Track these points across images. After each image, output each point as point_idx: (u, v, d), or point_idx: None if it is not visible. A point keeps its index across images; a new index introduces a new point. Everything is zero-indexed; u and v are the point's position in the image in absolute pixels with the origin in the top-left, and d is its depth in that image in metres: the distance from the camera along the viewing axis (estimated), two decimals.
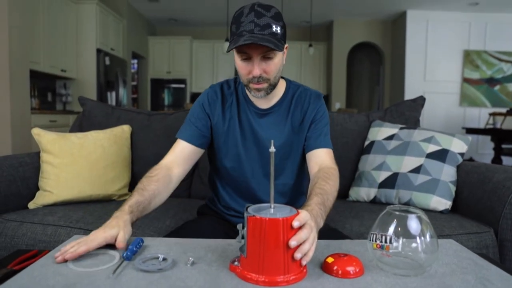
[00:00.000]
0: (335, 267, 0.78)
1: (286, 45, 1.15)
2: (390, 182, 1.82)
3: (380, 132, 2.00)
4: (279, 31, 1.07)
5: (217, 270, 0.79)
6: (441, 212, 1.69)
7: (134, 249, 0.86)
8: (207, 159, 1.44)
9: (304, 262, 0.76)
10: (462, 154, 1.85)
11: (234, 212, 1.29)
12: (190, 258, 0.82)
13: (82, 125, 2.12)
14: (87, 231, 1.39)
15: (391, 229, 0.79)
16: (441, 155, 1.81)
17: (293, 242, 0.73)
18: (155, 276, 0.75)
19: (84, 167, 1.76)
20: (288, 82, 1.30)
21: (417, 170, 1.79)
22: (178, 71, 8.75)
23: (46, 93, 5.61)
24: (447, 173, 1.77)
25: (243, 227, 0.78)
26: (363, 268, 0.80)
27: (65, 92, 5.81)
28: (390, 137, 1.95)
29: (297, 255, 0.74)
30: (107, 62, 6.19)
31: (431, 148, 1.84)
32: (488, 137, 6.58)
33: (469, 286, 0.74)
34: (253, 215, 0.75)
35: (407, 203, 1.75)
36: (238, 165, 1.24)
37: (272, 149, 0.79)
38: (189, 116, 1.27)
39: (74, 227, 1.40)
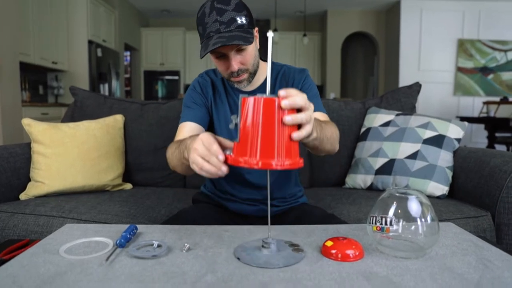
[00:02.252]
0: (334, 251, 0.76)
1: (255, 29, 1.15)
2: (387, 168, 1.81)
3: (376, 118, 1.99)
4: (244, 21, 1.06)
5: (214, 255, 0.77)
6: (438, 197, 1.68)
7: (128, 236, 0.83)
8: None
9: (295, 136, 0.71)
10: (458, 140, 1.83)
11: (230, 196, 1.26)
12: (186, 244, 0.80)
13: (74, 116, 2.09)
14: (80, 221, 1.37)
15: (391, 211, 0.78)
16: (437, 141, 1.80)
17: (288, 118, 0.69)
18: (150, 263, 0.73)
19: (76, 157, 1.73)
20: (271, 64, 1.27)
21: (413, 156, 1.78)
22: (172, 63, 8.68)
23: (37, 86, 5.54)
24: (444, 158, 1.76)
25: (237, 116, 0.74)
26: (363, 251, 0.78)
27: (56, 84, 5.73)
28: (387, 124, 1.93)
29: (287, 118, 0.69)
30: (99, 53, 6.11)
31: (428, 134, 1.82)
32: (482, 126, 6.61)
33: (470, 267, 0.73)
34: (247, 96, 0.72)
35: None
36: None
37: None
38: (186, 103, 1.25)
39: (66, 217, 1.37)
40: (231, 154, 0.74)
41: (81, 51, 5.76)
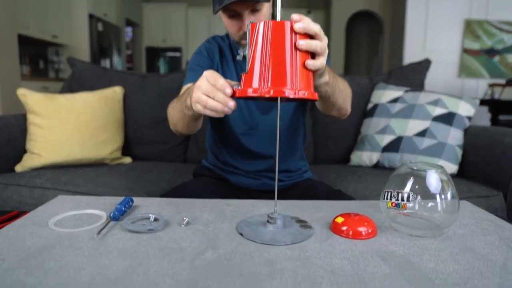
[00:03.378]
0: (345, 227, 0.70)
1: None
2: (394, 146, 1.74)
3: (384, 95, 1.91)
4: None
5: (215, 230, 0.71)
6: None
7: (123, 209, 0.78)
8: (203, 123, 1.36)
9: (309, 63, 0.66)
10: (469, 118, 1.76)
11: (233, 169, 1.21)
12: (185, 218, 0.74)
13: (72, 88, 2.02)
14: (75, 193, 1.31)
15: (408, 186, 0.71)
16: (448, 118, 1.73)
17: (301, 41, 0.64)
18: (145, 237, 0.67)
19: (73, 129, 1.66)
20: None
21: (422, 133, 1.71)
22: (174, 39, 8.53)
23: (38, 60, 5.44)
24: (454, 136, 1.70)
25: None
26: (376, 229, 0.72)
27: (57, 59, 5.63)
28: (395, 100, 1.86)
29: (301, 42, 0.64)
30: (100, 28, 5.99)
31: (438, 111, 1.75)
32: (485, 109, 6.51)
33: (493, 248, 0.67)
34: (255, 21, 0.66)
35: None
36: (239, 120, 1.16)
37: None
38: (191, 67, 1.18)
39: (62, 189, 1.32)
40: (239, 87, 0.68)
41: (81, 25, 5.63)
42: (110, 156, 1.74)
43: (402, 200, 0.71)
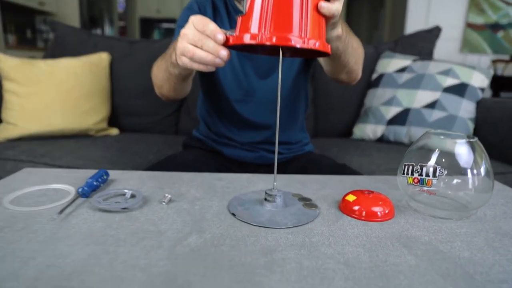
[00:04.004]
0: (357, 207, 0.59)
1: None
2: (401, 118, 1.62)
3: (390, 64, 1.78)
4: None
5: (202, 210, 0.60)
6: None
7: (94, 183, 0.66)
8: (194, 91, 1.23)
9: (323, 6, 0.54)
10: (482, 89, 1.64)
11: (227, 140, 1.09)
12: (167, 195, 0.62)
13: (54, 54, 1.86)
14: (52, 167, 1.19)
15: (434, 159, 0.60)
16: (459, 90, 1.60)
17: None
18: (117, 218, 0.56)
19: (54, 97, 1.53)
20: None
21: (432, 105, 1.59)
22: (169, 10, 8.23)
23: (25, 29, 5.21)
24: (466, 109, 1.58)
25: None
26: (394, 209, 0.61)
27: (45, 28, 5.41)
28: (402, 70, 1.73)
29: None
30: None
31: (449, 81, 1.63)
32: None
33: None
34: None
35: None
36: (233, 85, 1.03)
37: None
38: (180, 24, 1.04)
39: (38, 162, 1.20)
40: (234, 33, 0.56)
41: None
42: (95, 127, 1.61)
43: (427, 175, 0.59)
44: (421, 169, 0.59)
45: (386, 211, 0.59)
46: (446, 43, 7.30)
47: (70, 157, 1.23)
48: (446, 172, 0.59)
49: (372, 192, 0.62)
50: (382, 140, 1.67)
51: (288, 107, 1.09)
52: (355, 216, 0.59)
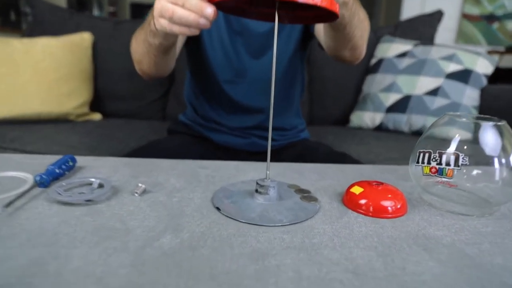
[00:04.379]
0: (364, 201, 0.50)
1: None
2: (401, 105, 1.54)
3: (390, 48, 1.69)
4: None
5: (181, 203, 0.50)
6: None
7: (57, 171, 0.56)
8: (183, 73, 1.13)
9: None
10: (487, 76, 1.56)
11: (215, 125, 0.99)
12: (140, 185, 0.53)
13: (33, 34, 1.74)
14: (23, 152, 1.09)
15: (454, 145, 0.51)
16: (463, 76, 1.52)
17: None
18: (78, 211, 0.46)
19: (30, 78, 1.42)
20: None
21: (434, 92, 1.50)
22: None
23: (8, 11, 5.02)
24: (470, 96, 1.49)
25: None
26: (406, 204, 0.52)
27: (30, 11, 5.22)
28: (403, 55, 1.64)
29: None
30: None
31: (452, 67, 1.54)
32: None
33: None
34: None
35: (420, 130, 1.48)
36: (223, 64, 0.94)
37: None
38: None
39: (6, 147, 1.09)
40: None
41: None
42: (75, 112, 1.50)
43: (448, 164, 0.50)
44: (440, 157, 0.50)
45: (398, 206, 0.50)
46: (442, 33, 7.21)
47: (44, 143, 1.13)
48: (468, 161, 0.50)
49: (381, 183, 0.53)
50: (380, 128, 1.59)
51: (283, 89, 0.99)
52: (362, 211, 0.50)
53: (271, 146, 1.00)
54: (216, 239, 0.41)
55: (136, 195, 0.52)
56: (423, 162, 0.53)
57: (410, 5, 7.05)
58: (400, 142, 1.34)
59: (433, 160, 0.51)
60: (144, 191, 0.53)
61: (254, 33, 0.94)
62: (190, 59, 1.00)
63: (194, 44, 0.96)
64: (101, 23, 1.78)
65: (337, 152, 0.95)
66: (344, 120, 1.72)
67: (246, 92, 0.95)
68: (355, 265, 0.37)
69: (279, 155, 0.96)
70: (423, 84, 1.53)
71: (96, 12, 6.28)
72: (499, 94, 1.46)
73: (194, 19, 0.48)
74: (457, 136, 0.52)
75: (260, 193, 0.50)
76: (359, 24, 0.71)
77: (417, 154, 0.54)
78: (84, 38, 1.64)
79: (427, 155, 0.52)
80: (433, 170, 0.51)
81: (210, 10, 0.47)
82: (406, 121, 1.51)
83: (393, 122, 1.54)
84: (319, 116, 1.75)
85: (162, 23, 0.51)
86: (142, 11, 8.11)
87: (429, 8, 7.16)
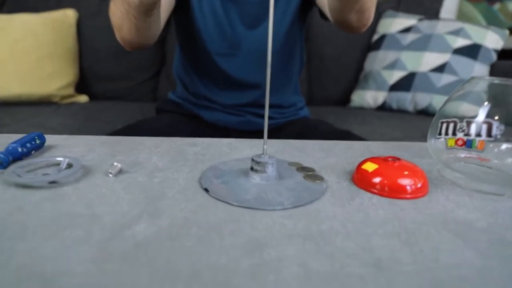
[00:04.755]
0: (378, 179, 0.42)
1: None
2: (405, 83, 1.46)
3: (393, 23, 1.60)
4: None
5: (162, 183, 0.42)
6: None
7: (19, 150, 0.48)
8: (175, 49, 1.05)
9: None
10: (496, 51, 1.48)
11: (207, 102, 0.91)
12: (115, 164, 0.45)
13: (11, 10, 1.64)
14: None
15: (483, 113, 0.43)
16: (472, 51, 1.44)
17: None
18: (37, 196, 0.39)
19: (8, 58, 1.33)
20: None
21: (440, 68, 1.42)
22: None
23: None
24: (479, 73, 1.42)
25: None
26: (428, 182, 0.45)
27: None
28: (407, 30, 1.55)
29: None
30: None
31: (460, 42, 1.46)
32: None
33: None
34: None
35: (426, 110, 1.41)
36: (215, 35, 0.85)
37: None
38: None
39: None
40: None
41: None
42: (59, 93, 1.41)
43: (478, 135, 0.42)
44: (468, 126, 0.43)
45: (419, 185, 0.43)
46: (441, 14, 7.12)
47: (21, 125, 1.04)
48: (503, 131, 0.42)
49: (398, 159, 0.46)
50: (383, 108, 1.51)
51: (281, 63, 0.91)
52: (376, 191, 0.42)
53: (269, 125, 0.92)
54: (202, 227, 0.33)
55: (110, 175, 0.44)
56: (446, 134, 0.45)
57: None
58: (405, 122, 1.27)
59: (460, 130, 0.43)
60: (120, 171, 0.45)
61: (249, 1, 0.85)
62: (179, 30, 0.92)
63: (183, 12, 0.87)
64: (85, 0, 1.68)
65: (340, 130, 0.88)
66: (345, 99, 1.64)
67: (241, 66, 0.87)
68: (376, 258, 0.29)
69: (278, 134, 0.88)
70: (429, 60, 1.45)
71: None
72: (509, 70, 1.38)
73: None
74: (486, 103, 0.44)
75: (256, 171, 0.43)
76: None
77: (439, 124, 0.46)
78: (68, 15, 1.55)
79: (451, 125, 0.44)
80: (460, 142, 0.43)
81: None
82: (410, 99, 1.44)
83: (396, 101, 1.46)
84: (318, 96, 1.67)
85: None
86: None
87: None
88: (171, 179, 0.44)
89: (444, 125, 0.45)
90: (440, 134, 0.46)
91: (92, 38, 1.59)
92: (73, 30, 1.53)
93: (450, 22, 1.52)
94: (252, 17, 0.86)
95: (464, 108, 0.45)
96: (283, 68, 0.93)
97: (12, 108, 1.24)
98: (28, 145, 0.50)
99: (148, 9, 0.62)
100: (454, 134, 0.44)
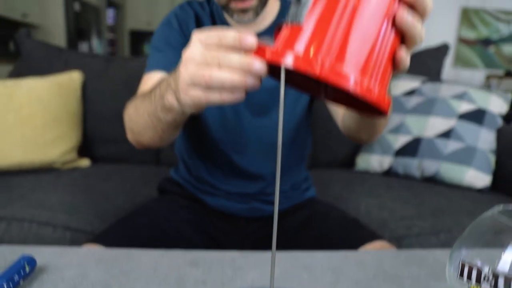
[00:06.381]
0: None
1: None
2: (411, 149, 1.44)
3: (397, 85, 1.60)
4: None
5: None
6: (480, 190, 1.32)
7: (5, 286, 0.45)
8: None
9: (403, 58, 0.36)
10: (501, 116, 1.46)
11: (210, 188, 0.88)
12: None
13: (21, 73, 1.65)
14: None
15: (509, 259, 0.40)
16: (477, 116, 1.42)
17: (406, 15, 0.34)
18: None
19: (13, 125, 1.33)
20: (282, 0, 0.88)
21: (446, 134, 1.40)
22: (159, 22, 8.07)
23: (7, 41, 4.99)
24: (486, 139, 1.39)
25: None
26: None
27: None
28: (411, 92, 1.55)
29: (405, 16, 0.34)
30: (77, 8, 5.55)
31: (464, 107, 1.44)
32: None
33: None
34: None
35: (433, 177, 1.37)
36: (220, 122, 0.83)
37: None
38: (155, 44, 0.85)
39: None
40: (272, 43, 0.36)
41: (55, 3, 5.18)
42: (61, 159, 1.39)
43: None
44: (496, 280, 0.39)
45: None
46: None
47: (17, 206, 1.01)
48: None
49: None
50: (390, 173, 1.48)
51: (291, 154, 0.88)
52: None
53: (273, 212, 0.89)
54: None
55: None
56: (468, 278, 0.41)
57: None
58: (415, 193, 1.24)
59: (486, 280, 0.40)
60: None
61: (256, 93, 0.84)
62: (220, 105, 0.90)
63: None
64: (91, 60, 1.70)
65: (349, 218, 0.84)
66: (349, 162, 1.62)
67: (247, 155, 0.84)
68: None
69: (283, 223, 0.84)
70: (434, 125, 1.43)
71: (95, 40, 6.26)
72: None
73: (239, 79, 0.36)
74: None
75: None
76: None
77: (459, 265, 0.43)
78: (73, 78, 1.55)
79: (474, 270, 0.41)
80: None
81: (258, 64, 0.35)
82: (417, 166, 1.41)
83: (403, 167, 1.44)
84: (322, 158, 1.64)
85: (194, 95, 0.39)
86: (141, 38, 8.12)
87: (426, 34, 7.13)
88: None
89: (464, 268, 0.42)
90: (461, 274, 0.42)
91: (96, 100, 1.59)
92: (78, 93, 1.53)
93: (453, 85, 1.52)
94: (259, 105, 0.84)
95: (483, 251, 0.42)
96: (293, 158, 0.90)
97: (11, 179, 1.22)
98: (16, 277, 0.47)
99: (179, 124, 0.59)
100: (478, 281, 0.40)
